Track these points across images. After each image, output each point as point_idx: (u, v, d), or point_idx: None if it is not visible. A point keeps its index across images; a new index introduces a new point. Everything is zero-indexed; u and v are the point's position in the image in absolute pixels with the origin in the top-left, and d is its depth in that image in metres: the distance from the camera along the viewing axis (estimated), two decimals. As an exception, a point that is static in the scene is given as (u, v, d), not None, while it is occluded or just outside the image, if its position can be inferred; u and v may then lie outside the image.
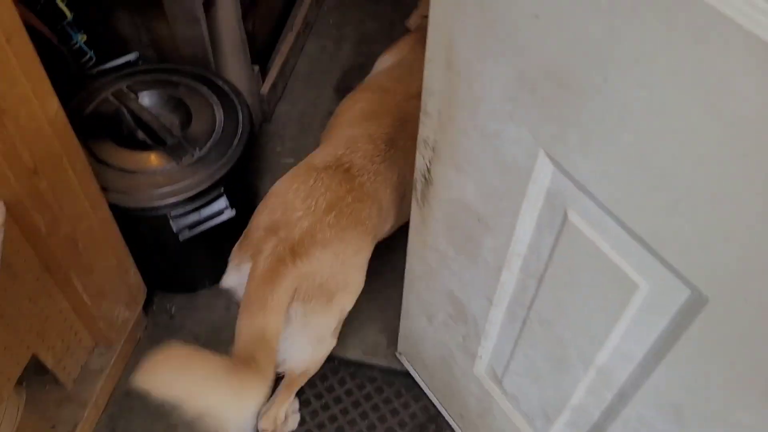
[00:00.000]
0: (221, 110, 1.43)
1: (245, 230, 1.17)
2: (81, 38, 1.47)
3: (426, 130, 0.91)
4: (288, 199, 1.12)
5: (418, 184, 1.01)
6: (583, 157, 0.66)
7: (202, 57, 1.54)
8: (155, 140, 1.38)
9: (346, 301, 1.19)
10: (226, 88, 1.48)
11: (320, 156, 1.22)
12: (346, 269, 1.14)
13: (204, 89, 1.46)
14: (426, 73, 0.83)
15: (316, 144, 1.76)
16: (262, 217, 1.14)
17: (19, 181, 1.00)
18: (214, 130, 1.39)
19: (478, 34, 0.71)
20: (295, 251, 1.07)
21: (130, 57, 1.50)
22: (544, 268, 0.82)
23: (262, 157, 1.91)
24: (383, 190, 1.20)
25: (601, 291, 0.74)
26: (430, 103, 0.87)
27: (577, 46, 0.59)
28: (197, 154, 1.35)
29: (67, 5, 1.43)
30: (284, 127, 1.99)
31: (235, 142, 1.38)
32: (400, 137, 1.24)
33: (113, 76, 1.47)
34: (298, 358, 1.19)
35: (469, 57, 0.74)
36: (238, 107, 1.44)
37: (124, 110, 1.41)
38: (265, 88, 1.91)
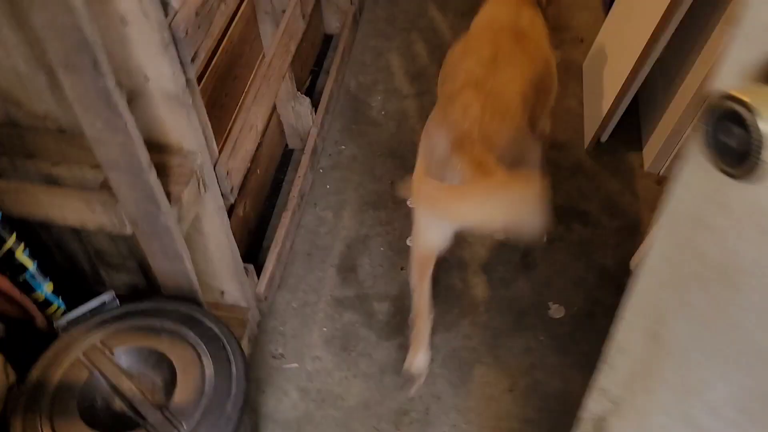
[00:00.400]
0: (211, 362, 1.22)
1: (418, 167, 1.51)
2: (47, 287, 1.28)
3: (606, 380, 0.79)
4: (451, 119, 1.40)
5: (584, 424, 0.88)
6: None
7: (187, 289, 1.35)
8: (135, 411, 1.17)
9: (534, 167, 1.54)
10: (215, 329, 1.28)
11: (450, 87, 1.51)
12: (522, 148, 1.47)
13: (190, 334, 1.26)
14: (620, 328, 0.74)
15: (322, 339, 1.76)
16: (440, 139, 1.41)
17: None
18: (203, 392, 1.18)
19: (703, 329, 0.59)
20: (485, 146, 1.34)
21: (105, 298, 1.31)
22: None
23: (261, 363, 1.70)
24: (510, 88, 1.46)
25: None
26: (619, 358, 0.75)
27: None
28: (184, 429, 1.13)
29: (30, 254, 1.25)
30: (284, 321, 1.78)
31: (229, 407, 1.17)
32: (499, 53, 1.52)
33: (85, 326, 1.27)
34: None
35: (686, 344, 0.62)
36: (231, 356, 1.23)
37: (98, 375, 1.20)
38: (261, 285, 1.72)
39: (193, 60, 1.20)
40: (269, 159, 2.06)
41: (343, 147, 2.22)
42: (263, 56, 1.89)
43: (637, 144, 2.18)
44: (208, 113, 1.55)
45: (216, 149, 1.38)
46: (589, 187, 2.08)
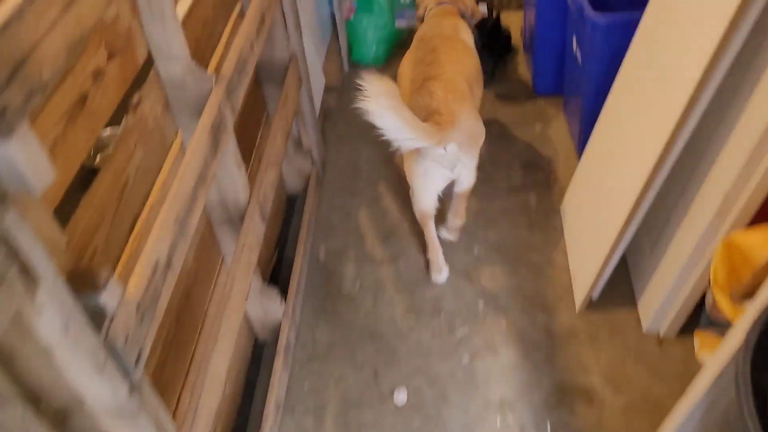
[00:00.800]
0: None
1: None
2: None
3: None
4: (422, 103, 1.91)
5: None
6: None
7: None
8: None
9: (481, 140, 2.04)
10: None
11: (413, 83, 2.05)
12: (475, 122, 1.99)
13: None
14: None
15: None
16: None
17: None
18: None
19: None
20: (451, 121, 1.84)
21: None
22: None
23: None
24: (459, 77, 2.00)
25: None
26: None
27: None
28: None
29: None
30: None
31: None
32: (440, 54, 2.07)
33: None
34: (466, 179, 2.08)
35: None
36: None
37: None
38: None
39: (137, 361, 1.03)
40: (238, 362, 1.87)
41: (318, 333, 2.05)
42: (222, 261, 1.74)
43: (630, 299, 2.05)
44: (162, 357, 1.38)
45: (173, 430, 1.19)
46: (588, 356, 1.93)
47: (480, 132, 2.03)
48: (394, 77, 3.15)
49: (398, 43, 3.27)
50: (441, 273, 2.18)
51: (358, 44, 3.19)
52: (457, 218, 2.26)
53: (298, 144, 2.46)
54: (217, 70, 1.53)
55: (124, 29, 1.23)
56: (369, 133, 2.87)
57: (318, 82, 2.88)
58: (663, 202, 1.84)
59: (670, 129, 1.61)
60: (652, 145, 1.68)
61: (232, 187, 1.60)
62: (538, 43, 2.74)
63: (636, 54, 1.91)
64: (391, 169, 2.63)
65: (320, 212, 2.47)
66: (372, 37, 3.16)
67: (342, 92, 3.06)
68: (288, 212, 2.47)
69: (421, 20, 2.51)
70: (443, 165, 1.91)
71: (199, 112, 1.41)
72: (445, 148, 1.86)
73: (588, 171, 2.19)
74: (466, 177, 2.08)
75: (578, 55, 2.39)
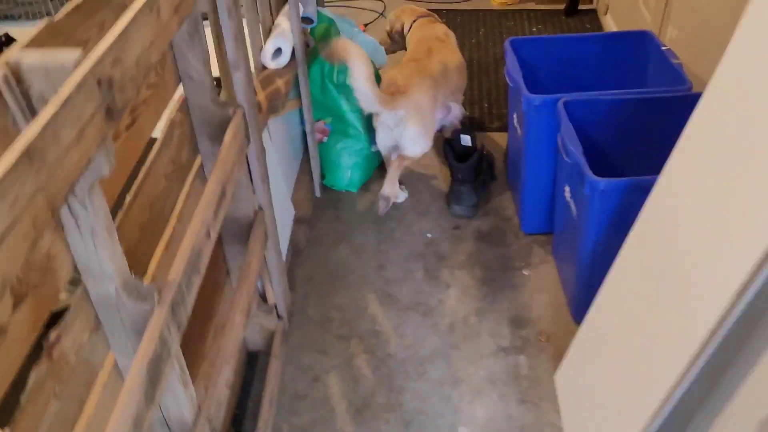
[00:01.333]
0: None
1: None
2: None
3: None
4: (390, 76, 2.59)
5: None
6: None
7: None
8: None
9: (430, 117, 2.61)
10: None
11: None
12: (426, 98, 2.55)
13: None
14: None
15: None
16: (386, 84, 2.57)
17: None
18: None
19: None
20: (404, 92, 2.49)
21: None
22: None
23: None
24: (436, 64, 2.67)
25: None
26: None
27: None
28: None
29: None
30: None
31: None
32: (434, 51, 2.73)
33: None
34: (409, 147, 2.59)
35: None
36: None
37: None
38: None
39: None
40: None
41: None
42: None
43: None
44: None
45: None
46: None
47: (428, 108, 2.56)
48: (370, 204, 2.96)
49: (373, 168, 3.07)
50: (389, 188, 2.67)
51: (332, 169, 2.97)
52: (386, 184, 2.65)
53: (262, 298, 2.19)
54: (161, 269, 1.28)
55: (42, 256, 0.97)
56: (341, 273, 2.62)
57: (286, 214, 2.64)
58: (682, 402, 1.60)
59: (708, 328, 1.36)
60: (682, 346, 1.45)
61: (176, 404, 1.31)
62: (526, 185, 2.56)
63: (651, 228, 1.70)
64: (365, 323, 2.37)
65: (285, 373, 2.17)
66: (346, 161, 2.94)
67: (313, 224, 2.82)
68: (248, 372, 2.17)
69: (392, 40, 3.14)
70: (388, 126, 2.53)
71: (136, 331, 1.14)
72: (394, 113, 2.47)
73: (591, 348, 1.95)
74: (410, 145, 2.57)
75: (572, 204, 2.21)
